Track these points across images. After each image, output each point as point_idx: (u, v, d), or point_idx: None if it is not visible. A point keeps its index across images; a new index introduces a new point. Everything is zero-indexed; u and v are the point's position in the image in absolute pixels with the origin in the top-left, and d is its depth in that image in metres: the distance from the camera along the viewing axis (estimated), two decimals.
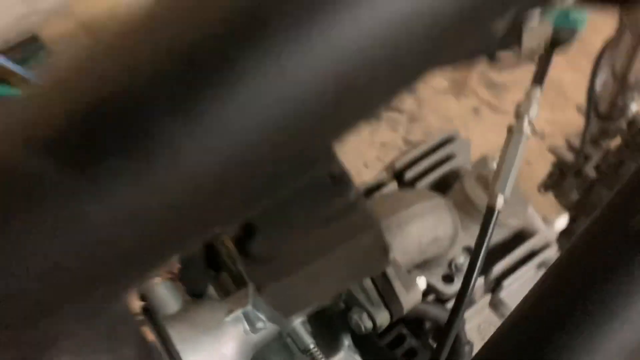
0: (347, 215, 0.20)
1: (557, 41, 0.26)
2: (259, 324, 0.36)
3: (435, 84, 1.97)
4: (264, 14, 0.13)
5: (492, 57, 0.24)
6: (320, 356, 0.39)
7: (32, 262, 0.14)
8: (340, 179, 0.20)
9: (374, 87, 0.14)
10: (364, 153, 1.65)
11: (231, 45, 0.13)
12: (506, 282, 0.56)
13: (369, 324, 0.39)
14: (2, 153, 0.14)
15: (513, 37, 0.24)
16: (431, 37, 0.14)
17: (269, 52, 0.12)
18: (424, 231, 0.42)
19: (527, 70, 0.46)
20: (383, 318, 0.39)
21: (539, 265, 0.59)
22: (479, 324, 0.58)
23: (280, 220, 0.19)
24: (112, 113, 0.13)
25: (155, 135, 0.13)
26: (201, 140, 0.13)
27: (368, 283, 0.39)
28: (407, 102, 1.84)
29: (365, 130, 1.70)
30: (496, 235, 0.57)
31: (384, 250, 0.21)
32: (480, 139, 1.79)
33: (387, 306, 0.39)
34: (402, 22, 0.13)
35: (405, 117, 1.84)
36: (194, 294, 0.38)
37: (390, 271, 0.38)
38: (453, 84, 1.84)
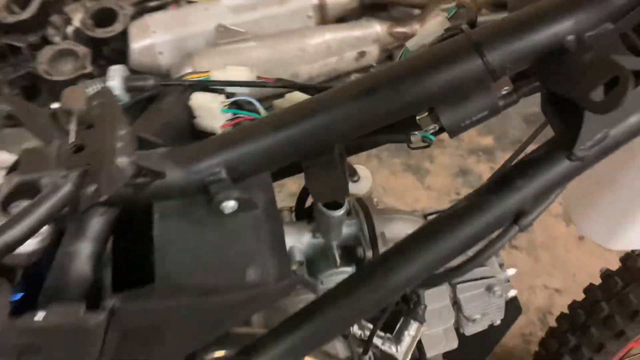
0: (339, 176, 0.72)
1: (425, 141, 0.76)
2: (317, 235, 0.89)
3: (551, 208, 2.36)
4: None
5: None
6: (341, 263, 0.90)
7: None
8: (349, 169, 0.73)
9: None
10: None
11: None
12: (460, 286, 1.01)
13: (362, 255, 0.90)
14: None
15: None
16: None
17: None
18: (401, 227, 0.93)
19: None
20: (369, 254, 0.89)
21: (487, 287, 1.03)
22: (440, 309, 1.03)
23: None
24: None
25: None
26: None
27: (367, 238, 0.90)
28: None
29: None
30: None
31: (345, 190, 0.74)
32: (577, 264, 2.08)
33: (372, 248, 0.89)
34: None
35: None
36: (298, 219, 0.93)
37: (378, 234, 0.89)
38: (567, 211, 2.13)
